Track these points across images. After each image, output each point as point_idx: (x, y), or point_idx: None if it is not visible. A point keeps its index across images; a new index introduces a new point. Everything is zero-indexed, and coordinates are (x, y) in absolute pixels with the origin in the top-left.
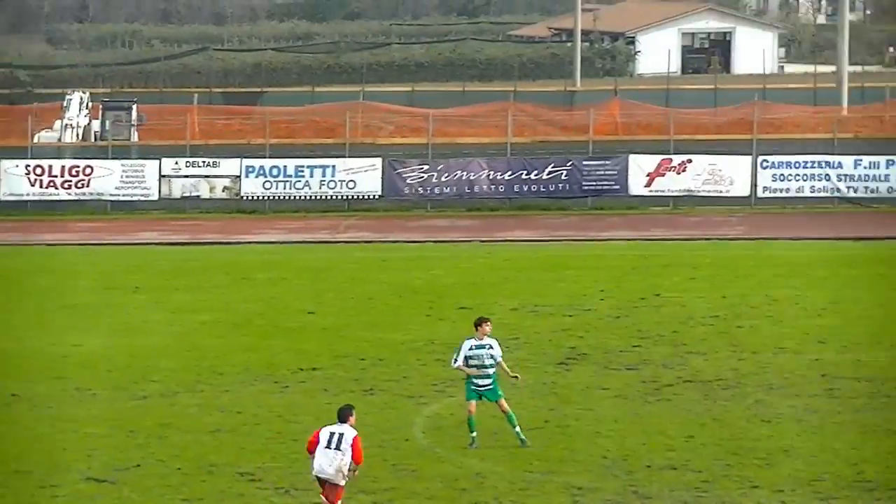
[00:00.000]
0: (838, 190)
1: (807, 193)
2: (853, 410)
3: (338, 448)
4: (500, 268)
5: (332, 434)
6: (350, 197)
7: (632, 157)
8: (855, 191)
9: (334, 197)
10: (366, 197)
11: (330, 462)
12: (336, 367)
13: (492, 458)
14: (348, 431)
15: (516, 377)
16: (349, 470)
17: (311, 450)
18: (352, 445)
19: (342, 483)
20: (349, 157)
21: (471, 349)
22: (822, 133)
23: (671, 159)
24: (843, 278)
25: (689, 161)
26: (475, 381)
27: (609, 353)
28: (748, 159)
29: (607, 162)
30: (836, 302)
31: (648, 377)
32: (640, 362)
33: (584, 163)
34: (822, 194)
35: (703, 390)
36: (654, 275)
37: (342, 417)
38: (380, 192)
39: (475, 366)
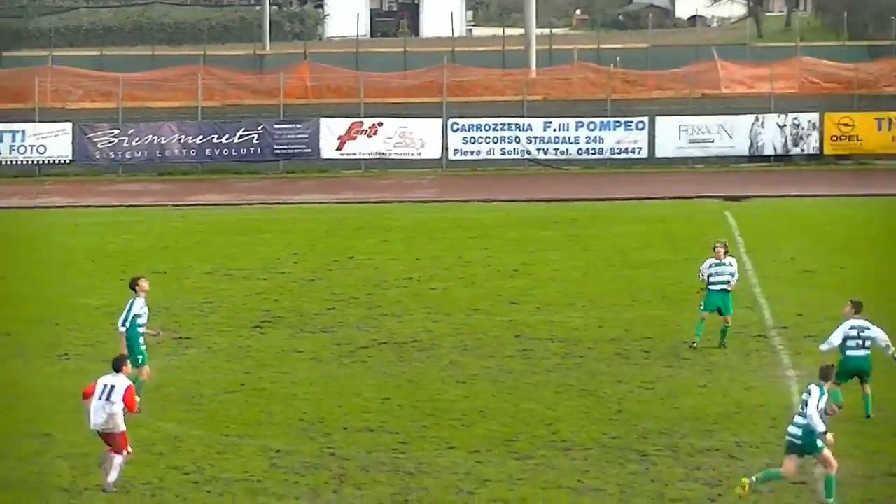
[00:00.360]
0: (528, 152)
1: (497, 156)
2: (546, 371)
3: (108, 399)
4: (194, 232)
5: (104, 385)
6: (41, 162)
7: (323, 120)
8: (545, 153)
9: (25, 162)
10: (56, 162)
11: (100, 413)
12: (29, 333)
13: (189, 422)
14: (120, 382)
15: (157, 333)
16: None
17: (87, 397)
18: (123, 396)
19: (120, 430)
20: (39, 121)
21: (141, 307)
22: (511, 96)
23: (362, 122)
24: (534, 240)
25: (380, 124)
26: (141, 342)
27: (304, 315)
28: (438, 122)
29: (298, 125)
30: (528, 263)
31: (343, 339)
32: (335, 325)
33: (276, 126)
34: (512, 156)
35: (398, 352)
36: (347, 238)
37: (117, 367)
38: (70, 157)
39: (142, 324)
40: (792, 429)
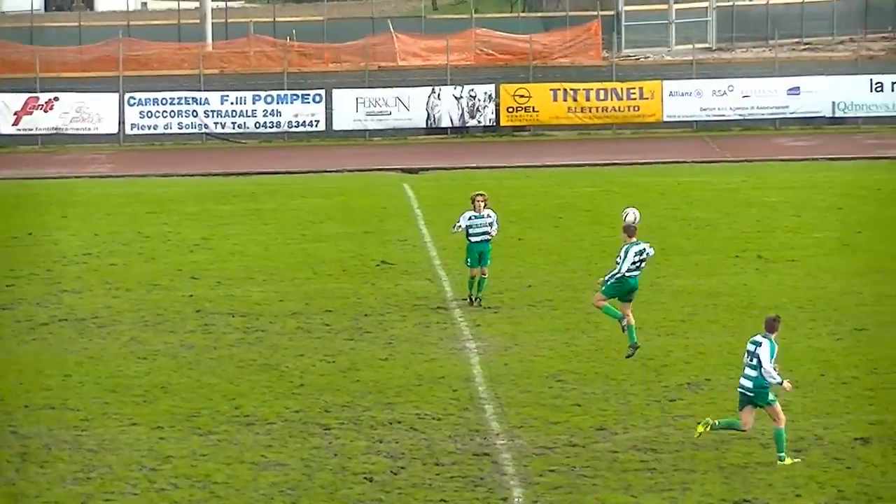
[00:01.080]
0: (206, 126)
1: (175, 130)
2: (228, 346)
3: None
4: None
5: None
6: None
7: None
8: (222, 126)
9: None
10: None
11: None
12: None
13: None
14: None
15: None
16: None
17: None
18: None
19: None
20: None
21: None
22: (187, 69)
23: (38, 97)
24: (213, 214)
25: (57, 99)
26: None
27: None
28: (115, 97)
29: None
30: (208, 238)
31: (23, 316)
32: (14, 301)
33: None
34: (190, 130)
35: (78, 328)
36: (25, 214)
37: None
38: None
39: None
40: (743, 381)
